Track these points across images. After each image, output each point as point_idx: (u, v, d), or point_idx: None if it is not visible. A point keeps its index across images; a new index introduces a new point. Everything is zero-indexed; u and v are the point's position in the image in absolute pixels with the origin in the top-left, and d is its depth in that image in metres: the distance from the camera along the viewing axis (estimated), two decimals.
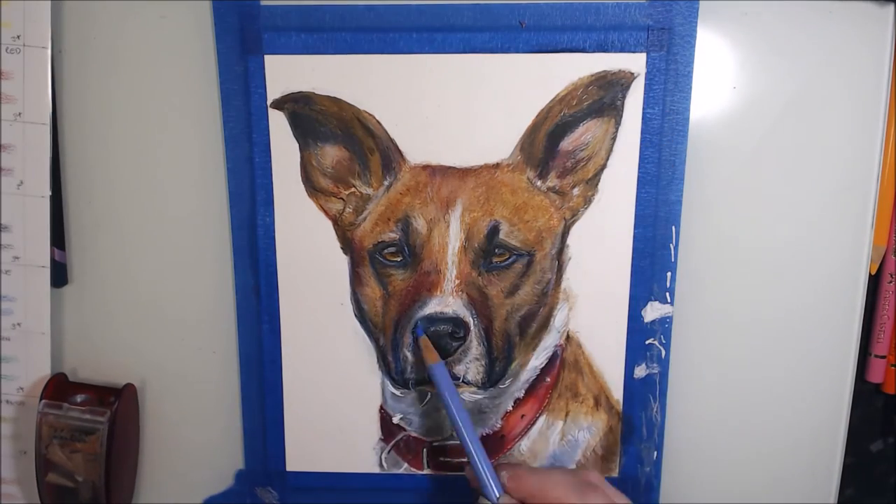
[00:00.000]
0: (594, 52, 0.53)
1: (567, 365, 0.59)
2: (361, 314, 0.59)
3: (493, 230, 0.56)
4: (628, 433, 0.60)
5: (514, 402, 0.60)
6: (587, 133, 0.55)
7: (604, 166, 0.56)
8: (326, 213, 0.58)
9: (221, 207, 0.58)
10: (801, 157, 0.56)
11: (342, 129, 0.56)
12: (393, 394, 0.60)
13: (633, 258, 0.57)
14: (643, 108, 0.54)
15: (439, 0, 0.53)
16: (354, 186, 0.57)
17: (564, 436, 0.61)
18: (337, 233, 0.58)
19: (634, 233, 0.57)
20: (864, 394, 0.70)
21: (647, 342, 0.58)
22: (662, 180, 0.56)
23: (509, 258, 0.57)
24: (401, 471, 0.62)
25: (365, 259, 0.58)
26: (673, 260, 0.57)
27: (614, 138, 0.55)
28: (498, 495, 0.50)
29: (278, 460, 0.62)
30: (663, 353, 0.59)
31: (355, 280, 0.58)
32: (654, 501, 0.61)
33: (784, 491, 0.62)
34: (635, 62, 0.54)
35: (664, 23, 0.53)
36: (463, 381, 0.57)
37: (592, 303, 0.58)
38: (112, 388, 0.60)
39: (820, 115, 0.55)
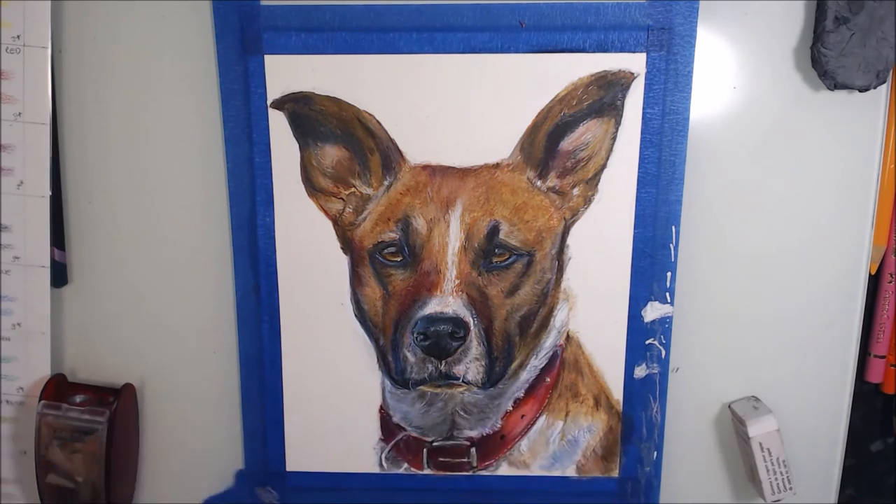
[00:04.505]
0: (594, 52, 0.53)
1: (567, 365, 0.59)
2: (361, 314, 0.59)
3: (493, 230, 0.56)
4: (628, 433, 0.60)
5: (515, 402, 0.60)
6: (587, 133, 0.55)
7: (604, 166, 0.56)
8: (326, 213, 0.58)
9: (221, 207, 0.58)
10: (801, 157, 0.56)
11: (342, 129, 0.56)
12: (393, 394, 0.60)
13: (633, 258, 0.57)
14: (643, 108, 0.54)
15: (439, 0, 0.53)
16: (354, 186, 0.57)
17: (564, 436, 0.61)
18: (337, 233, 0.58)
19: (634, 233, 0.57)
20: (864, 394, 0.70)
21: (647, 342, 0.58)
22: (662, 180, 0.56)
23: (509, 258, 0.57)
24: (401, 471, 0.62)
25: (365, 259, 0.58)
26: (673, 260, 0.57)
27: (614, 138, 0.55)
28: None
29: (278, 460, 0.62)
30: (663, 353, 0.59)
31: (355, 280, 0.58)
32: (654, 501, 0.61)
33: None
34: (635, 62, 0.54)
35: (664, 23, 0.53)
36: (463, 381, 0.57)
37: (592, 303, 0.58)
38: (111, 389, 0.60)
39: (820, 115, 0.55)
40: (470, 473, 0.62)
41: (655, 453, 0.61)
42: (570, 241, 0.57)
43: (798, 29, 0.54)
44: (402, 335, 0.57)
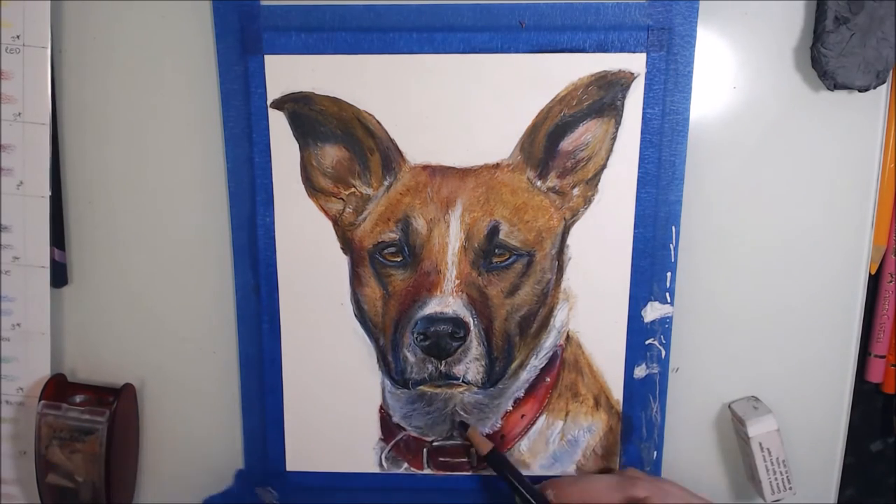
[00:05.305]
0: (594, 52, 0.53)
1: (567, 365, 0.59)
2: (361, 314, 0.59)
3: (493, 230, 0.56)
4: (628, 433, 0.60)
5: (514, 402, 0.60)
6: (587, 133, 0.55)
7: (604, 166, 0.56)
8: (326, 213, 0.58)
9: (221, 207, 0.58)
10: (801, 157, 0.56)
11: (342, 129, 0.56)
12: (393, 394, 0.60)
13: (633, 258, 0.57)
14: (643, 108, 0.54)
15: (439, 0, 0.53)
16: (354, 186, 0.57)
17: (564, 436, 0.61)
18: (337, 233, 0.58)
19: (634, 233, 0.57)
20: (864, 394, 0.70)
21: (647, 342, 0.58)
22: (662, 180, 0.56)
23: (509, 258, 0.57)
24: (401, 471, 0.62)
25: (365, 259, 0.58)
26: (673, 260, 0.57)
27: (614, 138, 0.55)
28: None
29: (278, 460, 0.62)
30: (663, 353, 0.59)
31: (355, 280, 0.58)
32: None
33: None
34: (635, 62, 0.54)
35: (664, 23, 0.53)
36: (463, 381, 0.57)
37: (592, 303, 0.58)
38: (111, 389, 0.60)
39: (820, 115, 0.55)
40: (470, 473, 0.62)
41: (655, 453, 0.61)
42: (570, 241, 0.57)
43: (798, 29, 0.54)
44: (402, 335, 0.57)
